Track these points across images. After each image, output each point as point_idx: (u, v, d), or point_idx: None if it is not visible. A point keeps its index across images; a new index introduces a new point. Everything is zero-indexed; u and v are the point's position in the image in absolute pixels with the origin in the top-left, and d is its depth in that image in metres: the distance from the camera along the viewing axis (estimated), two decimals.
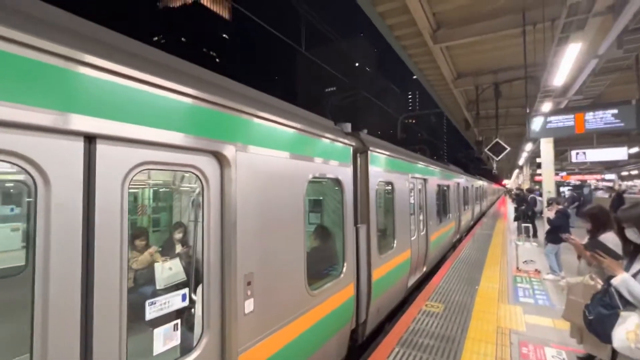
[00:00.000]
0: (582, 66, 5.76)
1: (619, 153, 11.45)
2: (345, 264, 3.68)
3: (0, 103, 1.17)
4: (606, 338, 2.09)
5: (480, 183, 22.32)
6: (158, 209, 4.48)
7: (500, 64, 9.89)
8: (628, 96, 8.09)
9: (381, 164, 4.80)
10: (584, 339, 3.38)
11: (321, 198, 4.48)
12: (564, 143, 17.08)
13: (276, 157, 2.59)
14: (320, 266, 3.59)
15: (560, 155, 20.90)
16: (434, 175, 8.21)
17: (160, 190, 4.07)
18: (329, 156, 3.44)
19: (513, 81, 10.00)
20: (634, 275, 2.07)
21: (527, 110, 7.45)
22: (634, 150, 16.73)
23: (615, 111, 5.90)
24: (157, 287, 2.43)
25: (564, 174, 30.47)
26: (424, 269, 7.22)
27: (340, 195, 3.73)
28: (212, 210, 2.05)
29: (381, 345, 3.92)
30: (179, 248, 3.17)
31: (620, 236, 2.26)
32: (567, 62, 4.85)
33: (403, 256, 5.56)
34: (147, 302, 1.78)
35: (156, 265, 2.59)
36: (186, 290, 2.00)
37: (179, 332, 1.88)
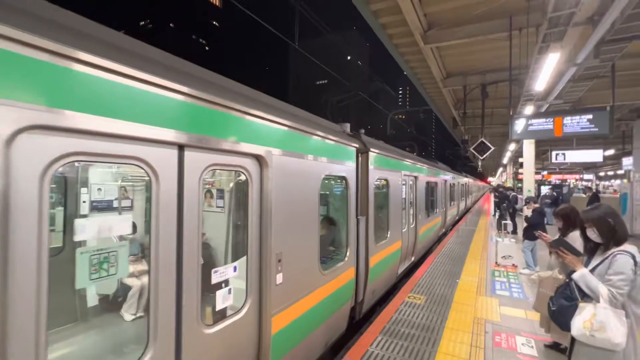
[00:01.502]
0: (561, 73, 6.05)
1: (596, 155, 12.02)
2: (348, 250, 4.22)
3: (133, 124, 1.67)
4: (566, 327, 2.33)
5: (466, 180, 22.86)
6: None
7: (487, 66, 10.17)
8: (606, 101, 8.52)
9: (379, 163, 5.26)
10: (552, 328, 3.68)
11: (327, 192, 4.84)
12: (546, 143, 17.71)
13: (299, 158, 3.11)
14: (328, 251, 4.13)
15: (542, 155, 21.65)
16: (423, 173, 8.71)
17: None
18: (338, 157, 3.96)
19: (499, 82, 10.31)
20: (592, 271, 2.30)
21: (510, 113, 7.75)
22: (610, 152, 17.49)
23: (590, 116, 6.24)
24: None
25: (545, 172, 31.52)
26: (412, 259, 7.75)
27: (345, 190, 4.26)
28: (254, 201, 2.57)
29: (365, 334, 4.14)
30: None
31: (582, 235, 2.49)
32: (547, 70, 5.10)
33: (395, 246, 6.09)
34: (212, 270, 2.28)
35: None
36: (237, 263, 2.53)
37: (232, 295, 2.42)
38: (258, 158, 2.58)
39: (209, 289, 2.24)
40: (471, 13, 7.15)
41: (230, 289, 2.40)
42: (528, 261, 7.02)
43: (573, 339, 2.39)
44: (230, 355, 2.35)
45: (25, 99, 1.28)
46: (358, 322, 4.86)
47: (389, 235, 5.71)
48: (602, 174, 38.45)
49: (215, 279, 2.29)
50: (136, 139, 1.70)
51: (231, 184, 3.29)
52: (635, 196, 11.49)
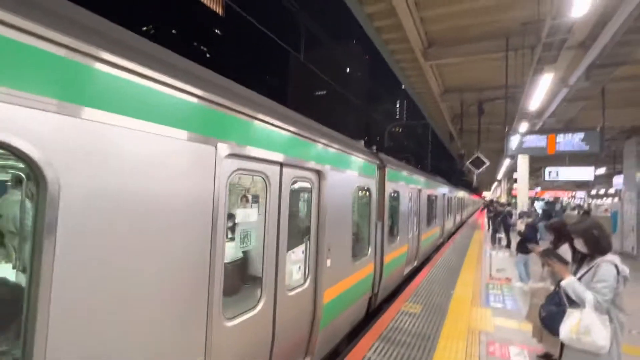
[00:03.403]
0: (555, 93, 6.31)
1: (587, 173, 12.30)
2: (370, 248, 5.11)
3: (262, 150, 2.58)
4: (555, 331, 2.46)
5: (462, 194, 23.24)
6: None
7: (484, 83, 10.47)
8: (599, 120, 8.82)
9: (392, 177, 6.16)
10: (544, 338, 3.79)
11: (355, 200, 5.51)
12: (540, 160, 18.03)
13: (342, 172, 4.06)
14: (357, 247, 4.87)
15: (537, 171, 22.01)
16: (425, 186, 9.57)
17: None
18: (366, 172, 4.90)
19: (495, 100, 10.62)
20: (579, 279, 2.45)
21: (506, 129, 8.00)
22: (601, 171, 17.89)
23: (581, 135, 6.50)
24: None
25: (539, 189, 31.93)
26: (415, 263, 8.60)
27: (368, 199, 5.15)
28: (314, 203, 3.48)
29: (362, 340, 4.21)
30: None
31: (570, 246, 2.65)
32: (542, 90, 5.35)
33: (403, 249, 7.01)
34: (290, 251, 3.17)
35: None
36: (303, 248, 3.43)
37: (301, 272, 3.40)
38: (318, 172, 3.52)
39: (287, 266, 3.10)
40: (469, 33, 7.45)
41: (300, 267, 3.37)
42: (521, 274, 7.15)
43: (562, 346, 2.52)
44: (298, 314, 3.26)
45: (231, 141, 2.27)
46: (372, 312, 5.66)
47: (398, 239, 6.62)
48: (593, 192, 39.03)
49: (293, 257, 3.27)
50: (262, 160, 2.63)
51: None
52: (625, 215, 11.75)
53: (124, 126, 1.58)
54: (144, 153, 1.67)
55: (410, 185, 7.57)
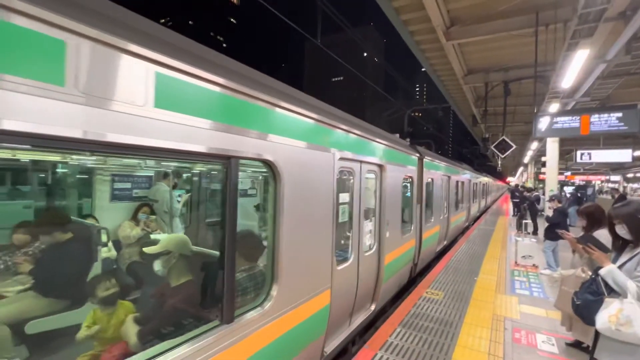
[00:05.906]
0: (590, 70, 5.87)
1: (624, 155, 11.50)
2: (413, 226, 6.18)
3: (351, 153, 3.64)
4: (590, 321, 2.35)
5: (486, 180, 22.77)
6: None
7: (511, 62, 9.93)
8: (637, 98, 8.19)
9: (428, 167, 7.15)
10: (573, 326, 3.66)
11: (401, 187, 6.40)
12: (570, 143, 17.11)
13: (395, 165, 5.05)
14: (404, 224, 5.83)
15: (566, 154, 20.90)
16: (453, 174, 10.29)
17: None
18: (409, 163, 5.93)
19: (522, 79, 10.06)
20: (620, 267, 2.31)
21: (535, 110, 7.58)
22: (639, 153, 16.71)
23: (619, 114, 6.04)
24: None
25: (568, 173, 30.35)
26: (445, 242, 9.57)
27: (411, 186, 6.25)
28: (377, 190, 4.56)
29: (384, 325, 4.24)
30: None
31: (610, 232, 2.48)
32: (576, 67, 4.99)
33: (436, 228, 8.01)
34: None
35: None
36: (371, 221, 4.49)
37: (371, 240, 4.46)
38: (380, 166, 4.56)
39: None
40: (496, 9, 7.03)
41: (370, 236, 4.39)
42: (549, 261, 6.90)
43: (597, 335, 2.41)
44: (369, 270, 4.29)
45: (340, 149, 3.34)
46: (413, 279, 6.73)
47: (432, 220, 7.66)
48: (630, 175, 36.64)
49: (366, 228, 4.22)
50: (352, 160, 3.68)
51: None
52: None
53: (300, 146, 2.71)
54: (309, 160, 2.81)
55: (441, 173, 8.51)
